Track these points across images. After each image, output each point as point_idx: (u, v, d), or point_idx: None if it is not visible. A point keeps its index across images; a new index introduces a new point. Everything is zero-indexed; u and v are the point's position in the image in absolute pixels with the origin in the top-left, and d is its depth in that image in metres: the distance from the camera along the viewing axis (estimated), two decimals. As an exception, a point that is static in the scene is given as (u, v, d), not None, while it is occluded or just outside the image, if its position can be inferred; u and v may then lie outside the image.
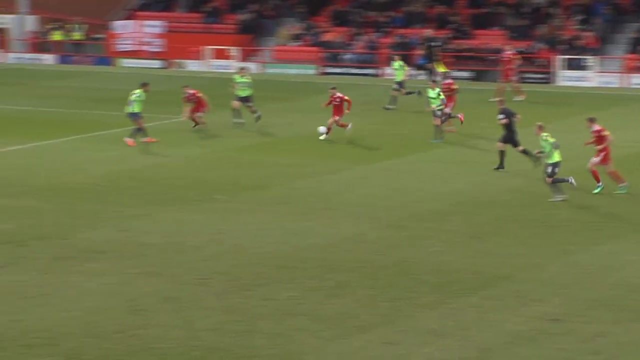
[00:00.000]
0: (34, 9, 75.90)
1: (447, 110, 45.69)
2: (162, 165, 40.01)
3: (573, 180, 34.40)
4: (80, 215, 32.71)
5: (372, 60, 71.14)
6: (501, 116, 38.76)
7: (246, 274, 27.31)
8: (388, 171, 39.62)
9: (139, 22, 74.43)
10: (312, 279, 26.95)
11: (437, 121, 44.39)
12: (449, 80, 48.23)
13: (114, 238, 30.35)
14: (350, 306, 24.96)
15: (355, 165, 40.96)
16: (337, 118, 44.74)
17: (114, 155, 41.79)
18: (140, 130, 42.40)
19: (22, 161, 40.46)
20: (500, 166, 38.59)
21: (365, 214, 33.39)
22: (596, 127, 35.43)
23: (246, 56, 71.57)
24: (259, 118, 47.72)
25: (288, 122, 50.44)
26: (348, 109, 44.63)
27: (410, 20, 73.18)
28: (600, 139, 35.21)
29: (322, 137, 44.41)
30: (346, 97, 44.90)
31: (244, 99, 48.21)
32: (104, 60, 72.37)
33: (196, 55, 70.94)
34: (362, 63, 71.10)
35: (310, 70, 69.26)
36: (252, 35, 74.28)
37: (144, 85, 42.54)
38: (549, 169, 34.23)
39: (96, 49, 75.00)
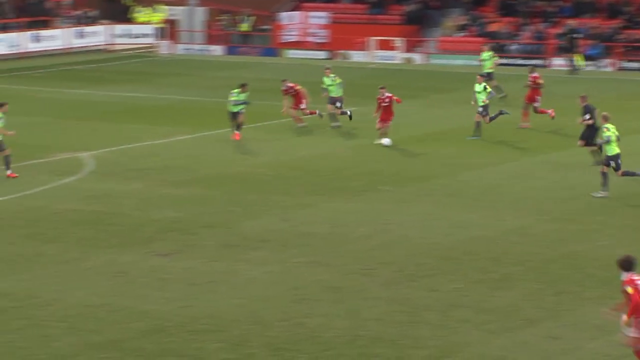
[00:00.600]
0: (203, 0, 76.91)
1: (537, 104, 45.40)
2: (328, 156, 40.16)
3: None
4: (246, 204, 33.07)
5: (539, 50, 70.35)
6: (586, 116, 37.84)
7: (411, 264, 27.31)
8: (551, 164, 39.12)
9: (304, 13, 74.85)
10: (477, 271, 26.83)
11: (479, 117, 43.15)
12: (536, 74, 46.55)
13: (278, 227, 30.61)
14: (515, 299, 24.79)
15: (520, 157, 40.60)
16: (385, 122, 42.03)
17: (280, 145, 42.15)
18: (239, 126, 42.43)
19: (191, 150, 41.04)
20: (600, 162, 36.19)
21: (531, 206, 33.08)
22: None
23: (411, 47, 71.43)
24: (349, 117, 45.53)
25: (452, 114, 50.19)
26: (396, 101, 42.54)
27: (580, 10, 72.12)
28: None
29: (385, 144, 41.60)
30: (395, 97, 42.54)
31: (333, 100, 45.78)
32: (270, 51, 72.89)
33: (360, 46, 70.98)
34: (529, 53, 70.31)
35: (475, 61, 68.76)
36: (417, 26, 74.13)
37: (242, 86, 42.40)
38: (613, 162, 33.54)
39: (263, 40, 75.62)
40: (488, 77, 50.94)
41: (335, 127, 45.32)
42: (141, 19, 76.10)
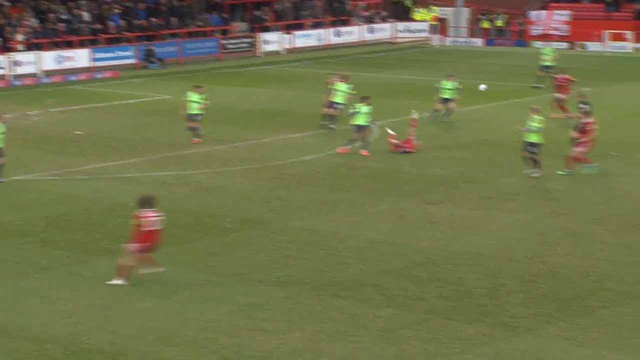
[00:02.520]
0: (468, 2, 76.46)
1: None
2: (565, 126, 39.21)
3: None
4: (499, 165, 32.72)
5: None
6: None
7: (636, 216, 26.52)
8: None
9: (550, 11, 73.31)
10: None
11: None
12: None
13: (526, 184, 30.21)
14: None
15: None
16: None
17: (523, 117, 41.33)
18: (359, 141, 34.93)
19: (457, 122, 40.72)
20: None
21: None
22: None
23: (639, 39, 69.02)
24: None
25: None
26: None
27: None
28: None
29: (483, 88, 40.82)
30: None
31: (445, 100, 40.54)
32: (521, 43, 71.78)
33: (596, 38, 69.12)
34: None
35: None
36: (644, 21, 71.41)
37: (365, 99, 35.58)
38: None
39: (515, 34, 74.63)
40: (546, 69, 48.11)
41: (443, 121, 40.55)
42: (418, 18, 76.28)
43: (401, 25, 75.25)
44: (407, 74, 56.82)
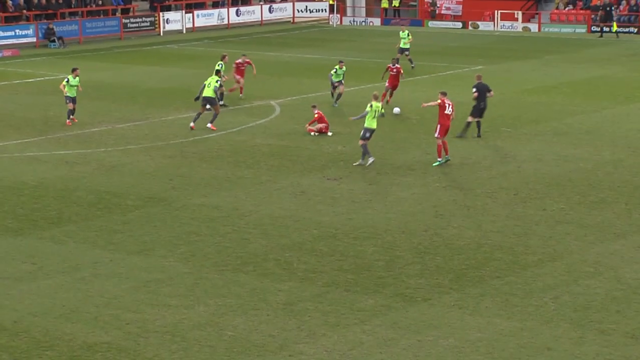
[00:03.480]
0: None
1: None
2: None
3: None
4: (397, 142, 33.00)
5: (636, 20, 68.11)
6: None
7: (525, 189, 27.01)
8: (642, 111, 38.12)
9: (444, -8, 74.05)
10: (578, 195, 26.42)
11: None
12: None
13: (421, 159, 30.51)
14: (609, 217, 24.37)
15: (619, 105, 39.67)
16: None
17: (420, 94, 41.80)
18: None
19: (351, 100, 40.96)
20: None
21: (625, 144, 32.35)
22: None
23: (527, 19, 70.11)
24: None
25: (561, 71, 49.23)
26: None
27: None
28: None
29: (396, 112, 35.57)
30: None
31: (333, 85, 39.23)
32: (417, 22, 72.33)
33: (487, 18, 70.02)
34: (628, 23, 67.98)
35: (578, 30, 67.17)
36: (533, 1, 72.57)
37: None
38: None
39: (411, 14, 75.16)
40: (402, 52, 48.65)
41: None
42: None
43: (301, 5, 75.23)
44: (306, 53, 56.85)
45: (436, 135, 29.64)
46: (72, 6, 62.70)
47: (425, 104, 31.10)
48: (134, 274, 20.63)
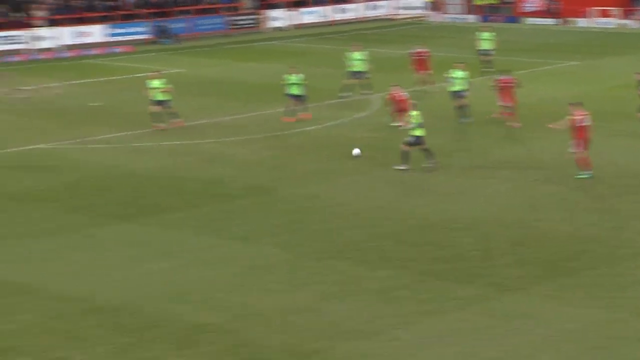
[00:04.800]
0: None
1: None
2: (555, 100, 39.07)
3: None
4: (495, 137, 32.64)
5: None
6: None
7: (620, 184, 26.49)
8: None
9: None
10: (672, 189, 25.81)
11: None
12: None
13: (519, 154, 30.14)
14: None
15: None
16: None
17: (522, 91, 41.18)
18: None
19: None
20: None
21: None
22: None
23: (625, 15, 68.73)
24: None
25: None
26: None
27: None
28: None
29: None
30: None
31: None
32: (513, 19, 71.46)
33: (584, 15, 68.82)
34: None
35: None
36: (631, -1, 71.09)
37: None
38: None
39: (507, 11, 74.30)
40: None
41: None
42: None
43: (400, 2, 74.93)
44: (405, 49, 56.55)
45: (573, 150, 27.15)
46: (184, 5, 63.53)
47: (554, 125, 28.98)
48: (237, 260, 20.83)
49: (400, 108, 32.85)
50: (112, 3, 60.45)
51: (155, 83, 33.99)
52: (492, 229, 22.66)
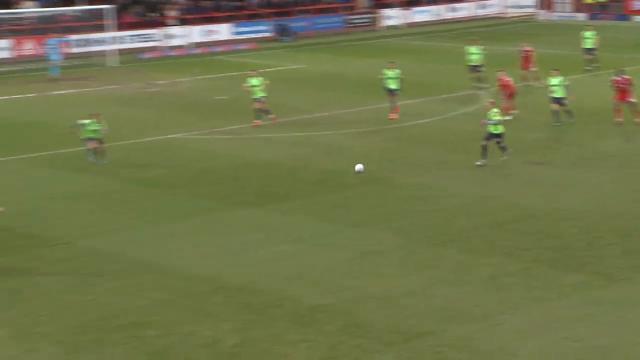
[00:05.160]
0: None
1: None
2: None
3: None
4: (599, 131, 31.91)
5: None
6: None
7: None
8: None
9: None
10: None
11: None
12: None
13: (622, 146, 29.44)
14: None
15: None
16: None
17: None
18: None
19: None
20: None
21: None
22: None
23: None
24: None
25: None
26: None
27: None
28: None
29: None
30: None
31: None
32: (622, 17, 69.71)
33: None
34: None
35: None
36: None
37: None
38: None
39: (616, 9, 72.52)
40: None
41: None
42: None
43: (510, 1, 73.86)
44: (513, 47, 55.74)
45: None
46: (304, 4, 63.91)
47: None
48: (352, 246, 20.89)
49: (508, 93, 32.92)
50: (237, 3, 61.21)
51: (254, 81, 33.73)
52: (597, 219, 22.20)
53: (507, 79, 33.71)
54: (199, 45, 56.20)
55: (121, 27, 53.30)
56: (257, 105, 33.45)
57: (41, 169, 27.99)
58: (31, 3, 53.71)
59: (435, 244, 20.85)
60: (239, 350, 15.72)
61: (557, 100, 32.45)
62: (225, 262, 19.90)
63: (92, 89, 41.97)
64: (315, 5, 64.54)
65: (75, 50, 51.02)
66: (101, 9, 50.62)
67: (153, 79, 44.72)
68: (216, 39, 57.34)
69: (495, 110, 27.39)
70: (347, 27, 63.91)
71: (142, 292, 18.26)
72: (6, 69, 46.80)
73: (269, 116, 33.54)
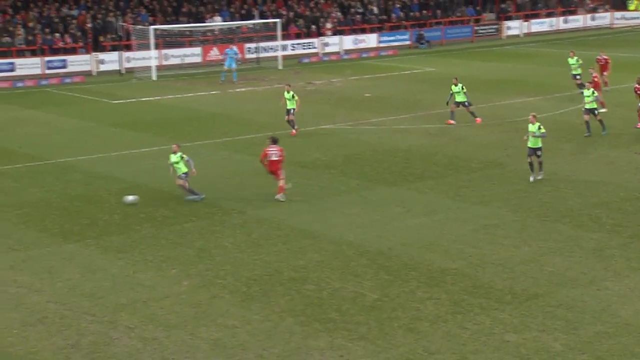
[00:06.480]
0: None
1: None
2: None
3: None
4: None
5: None
6: None
7: None
8: None
9: None
10: None
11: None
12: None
13: None
14: None
15: None
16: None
17: None
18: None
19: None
20: None
21: None
22: None
23: None
24: None
25: None
26: None
27: None
28: None
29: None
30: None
31: None
32: None
33: None
34: None
35: None
36: None
37: None
38: None
39: None
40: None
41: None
42: (632, 8, 71.58)
43: (618, 14, 70.90)
44: (623, 52, 53.53)
45: None
46: (438, 17, 63.26)
47: None
48: (475, 219, 20.57)
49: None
50: (383, 17, 61.09)
51: (287, 95, 30.84)
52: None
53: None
54: (350, 51, 56.32)
55: (287, 37, 53.96)
56: (289, 117, 30.54)
57: (222, 151, 28.68)
58: (219, 18, 54.93)
59: (547, 219, 20.29)
60: (379, 304, 15.73)
61: (590, 112, 29.15)
62: (369, 231, 19.93)
63: (262, 88, 42.71)
64: (447, 18, 63.75)
65: (250, 56, 51.99)
66: (271, 22, 51.38)
67: (312, 79, 45.12)
68: (364, 46, 57.35)
69: (537, 124, 24.00)
70: (474, 36, 62.80)
71: (300, 254, 18.50)
72: (197, 71, 48.12)
73: (295, 127, 30.56)
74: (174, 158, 22.41)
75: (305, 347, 14.07)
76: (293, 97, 30.50)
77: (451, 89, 32.04)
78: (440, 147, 28.35)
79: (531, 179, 23.72)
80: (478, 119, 32.23)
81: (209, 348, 14.06)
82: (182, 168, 22.31)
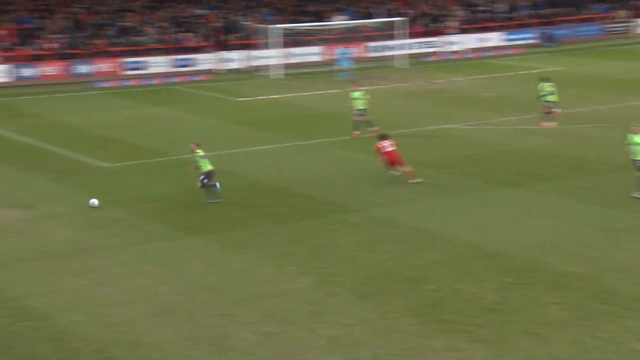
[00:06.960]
0: None
1: None
2: None
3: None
4: None
5: None
6: None
7: None
8: None
9: None
10: None
11: None
12: None
13: None
14: None
15: None
16: None
17: None
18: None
19: None
20: None
21: None
22: None
23: None
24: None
25: None
26: None
27: None
28: None
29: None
30: None
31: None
32: None
33: None
34: None
35: None
36: None
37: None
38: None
39: None
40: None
41: None
42: None
43: None
44: None
45: None
46: (567, 15, 61.59)
47: None
48: (600, 222, 19.95)
49: None
50: (508, 15, 59.96)
51: (356, 95, 30.59)
52: None
53: None
54: (473, 50, 55.55)
55: (411, 35, 53.73)
56: (357, 118, 30.16)
57: (340, 150, 28.79)
58: (340, 17, 55.27)
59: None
60: (499, 306, 15.47)
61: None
62: (489, 232, 19.63)
63: (383, 86, 42.70)
64: (577, 16, 61.88)
65: (372, 54, 52.04)
66: (393, 21, 51.25)
67: (434, 78, 44.78)
68: (488, 45, 56.43)
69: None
70: (604, 34, 60.72)
71: (417, 253, 18.41)
72: (316, 70, 48.56)
73: (371, 129, 29.40)
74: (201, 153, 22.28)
75: (421, 347, 14.01)
76: (362, 96, 30.14)
77: (543, 89, 30.90)
78: (562, 148, 27.59)
79: (636, 195, 21.49)
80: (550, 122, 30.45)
81: (325, 345, 14.19)
82: (204, 166, 22.38)
